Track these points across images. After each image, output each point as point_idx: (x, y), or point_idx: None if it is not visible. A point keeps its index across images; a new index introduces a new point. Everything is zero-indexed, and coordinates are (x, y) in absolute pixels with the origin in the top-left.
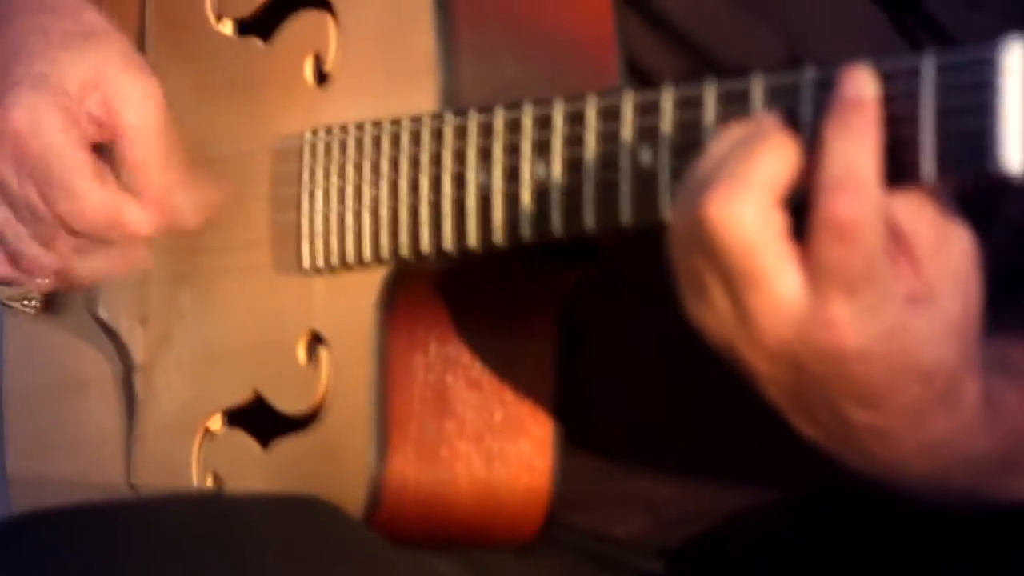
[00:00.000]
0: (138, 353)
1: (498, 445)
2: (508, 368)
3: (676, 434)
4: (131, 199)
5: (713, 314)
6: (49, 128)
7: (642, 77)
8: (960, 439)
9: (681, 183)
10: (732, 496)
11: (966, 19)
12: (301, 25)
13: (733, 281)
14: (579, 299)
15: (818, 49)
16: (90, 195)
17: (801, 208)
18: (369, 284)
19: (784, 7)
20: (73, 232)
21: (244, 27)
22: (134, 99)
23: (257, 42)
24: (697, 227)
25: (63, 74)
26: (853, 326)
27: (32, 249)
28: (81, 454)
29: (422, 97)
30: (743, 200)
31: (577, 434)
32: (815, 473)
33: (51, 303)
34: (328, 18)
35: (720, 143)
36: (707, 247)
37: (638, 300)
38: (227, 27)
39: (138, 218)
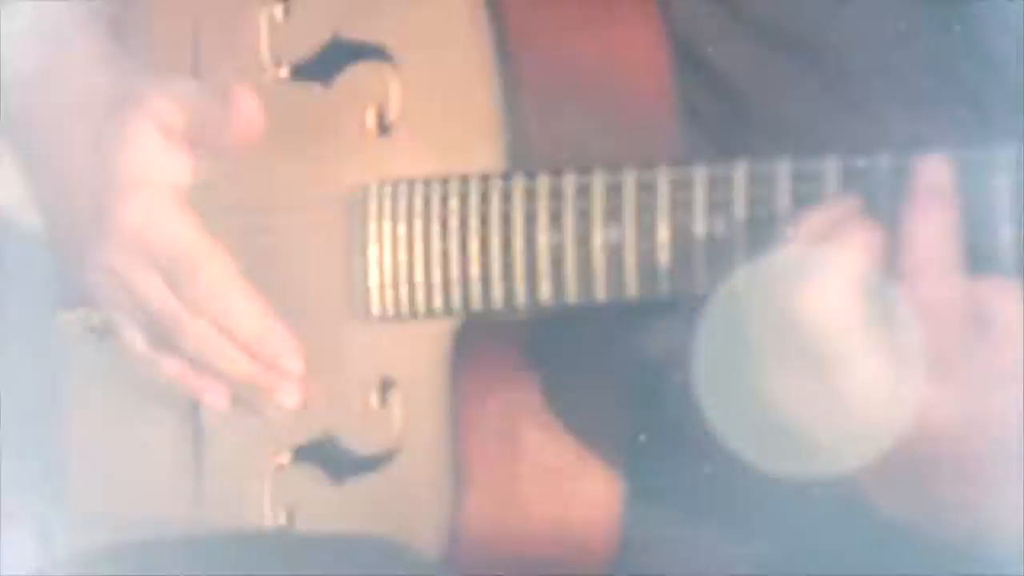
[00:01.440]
0: None
1: (569, 485)
2: (578, 407)
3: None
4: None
5: (799, 399)
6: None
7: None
8: None
9: (761, 269)
10: None
11: None
12: (362, 75)
13: (822, 367)
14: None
15: (857, 90)
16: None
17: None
18: (441, 332)
19: (820, 46)
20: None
21: (300, 71)
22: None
23: (315, 87)
24: (786, 316)
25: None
26: (941, 408)
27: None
28: (147, 486)
29: (487, 153)
30: (831, 290)
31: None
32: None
33: (110, 330)
34: (389, 69)
35: (802, 230)
36: (795, 334)
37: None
38: (283, 72)
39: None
